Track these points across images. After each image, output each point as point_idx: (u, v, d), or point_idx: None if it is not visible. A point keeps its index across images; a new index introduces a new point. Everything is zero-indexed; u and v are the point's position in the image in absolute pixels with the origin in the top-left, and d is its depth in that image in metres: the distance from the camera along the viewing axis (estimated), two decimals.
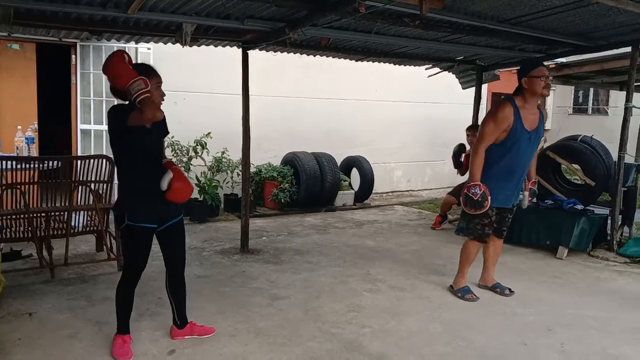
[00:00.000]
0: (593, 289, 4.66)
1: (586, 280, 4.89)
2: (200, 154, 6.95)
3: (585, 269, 5.21)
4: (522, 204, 4.22)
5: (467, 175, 4.12)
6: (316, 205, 7.94)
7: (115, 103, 3.19)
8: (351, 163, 8.78)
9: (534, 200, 4.97)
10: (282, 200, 7.57)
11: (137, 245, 3.07)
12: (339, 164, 8.37)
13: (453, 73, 7.47)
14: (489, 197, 3.88)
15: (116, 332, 3.19)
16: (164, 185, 2.97)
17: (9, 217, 4.47)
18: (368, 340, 3.37)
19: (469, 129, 6.58)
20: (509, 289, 4.33)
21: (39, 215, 4.56)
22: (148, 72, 2.93)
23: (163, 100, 3.02)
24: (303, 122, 8.74)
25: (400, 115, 9.85)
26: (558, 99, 16.45)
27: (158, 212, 3.06)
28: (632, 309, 4.15)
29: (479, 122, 7.18)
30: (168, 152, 6.83)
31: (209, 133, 6.96)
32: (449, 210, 7.04)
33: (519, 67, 4.05)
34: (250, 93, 5.45)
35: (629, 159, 5.85)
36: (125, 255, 3.24)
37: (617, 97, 13.96)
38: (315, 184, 7.78)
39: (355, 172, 8.75)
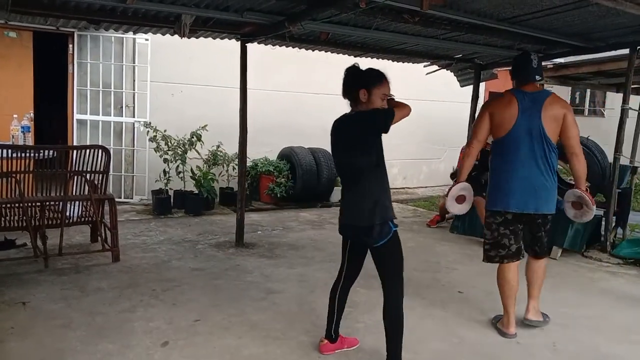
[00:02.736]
0: (586, 289, 4.69)
1: (579, 280, 4.92)
2: (195, 146, 6.93)
3: (578, 269, 5.23)
4: None
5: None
6: (312, 200, 7.94)
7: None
8: None
9: None
10: (278, 195, 7.56)
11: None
12: None
13: (451, 71, 7.46)
14: None
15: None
16: None
17: (3, 205, 4.45)
18: (362, 336, 3.38)
19: None
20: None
21: (33, 204, 4.54)
22: (378, 79, 2.89)
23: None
24: (300, 117, 8.72)
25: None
26: None
27: None
28: (625, 309, 4.18)
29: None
30: (163, 145, 6.82)
31: (205, 125, 6.93)
32: (448, 214, 7.01)
33: None
34: (247, 86, 5.44)
35: (624, 160, 5.87)
36: (399, 266, 2.93)
37: (613, 99, 14.00)
38: (311, 179, 7.78)
39: None
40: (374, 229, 2.83)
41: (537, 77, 3.50)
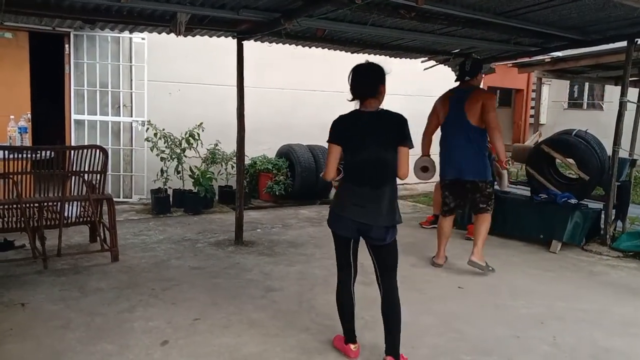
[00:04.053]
0: (585, 282, 4.69)
1: (579, 274, 4.92)
2: (194, 145, 6.92)
3: (578, 263, 5.23)
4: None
5: None
6: (311, 197, 7.94)
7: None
8: None
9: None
10: (277, 193, 7.55)
11: None
12: None
13: (449, 66, 7.43)
14: None
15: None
16: None
17: (1, 207, 4.44)
18: (361, 332, 3.37)
19: None
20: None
21: (31, 205, 4.53)
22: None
23: None
24: (298, 115, 8.70)
25: (395, 108, 9.58)
26: (553, 93, 16.48)
27: None
28: (624, 302, 4.18)
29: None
30: (161, 144, 6.81)
31: (201, 124, 6.91)
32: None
33: None
34: (244, 84, 5.42)
35: (623, 153, 5.86)
36: (397, 259, 3.03)
37: (612, 93, 14.00)
38: (310, 177, 7.77)
39: None
40: (390, 229, 2.95)
41: (467, 78, 4.71)
